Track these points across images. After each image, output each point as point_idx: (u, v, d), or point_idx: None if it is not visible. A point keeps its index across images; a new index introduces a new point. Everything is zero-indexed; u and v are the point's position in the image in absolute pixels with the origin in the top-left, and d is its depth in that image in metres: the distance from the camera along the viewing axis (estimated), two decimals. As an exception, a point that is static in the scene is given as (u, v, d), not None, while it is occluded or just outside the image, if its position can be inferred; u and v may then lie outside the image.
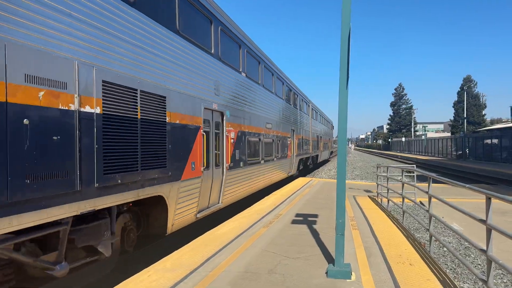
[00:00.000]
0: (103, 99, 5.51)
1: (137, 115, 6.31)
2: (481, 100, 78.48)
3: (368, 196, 14.61)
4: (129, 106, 6.12)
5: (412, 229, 10.50)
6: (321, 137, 35.82)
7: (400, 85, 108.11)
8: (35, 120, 4.38)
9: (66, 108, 4.85)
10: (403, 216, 9.96)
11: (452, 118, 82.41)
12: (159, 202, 7.29)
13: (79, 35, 5.12)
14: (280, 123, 18.29)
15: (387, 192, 12.02)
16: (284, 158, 19.18)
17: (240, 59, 12.36)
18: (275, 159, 16.92)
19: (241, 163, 12.03)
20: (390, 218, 10.01)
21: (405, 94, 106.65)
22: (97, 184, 5.33)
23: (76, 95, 5.01)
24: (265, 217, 10.02)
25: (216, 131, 10.07)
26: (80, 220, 5.44)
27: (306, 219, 9.71)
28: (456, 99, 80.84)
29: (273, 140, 16.56)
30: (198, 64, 8.93)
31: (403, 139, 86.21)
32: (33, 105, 4.36)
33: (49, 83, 4.60)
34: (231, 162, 10.97)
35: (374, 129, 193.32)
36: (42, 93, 4.48)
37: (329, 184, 18.95)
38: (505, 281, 6.99)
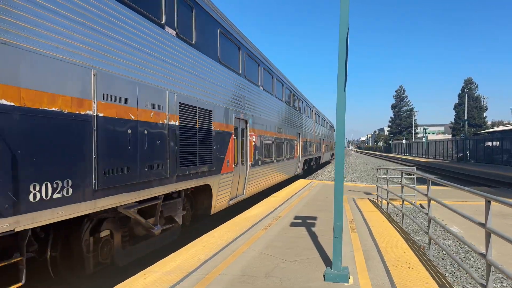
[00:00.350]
0: (179, 115, 7.72)
1: (196, 125, 8.50)
2: (482, 102, 78.40)
3: (368, 198, 14.54)
4: (192, 118, 8.32)
5: (411, 232, 10.43)
6: (323, 139, 37.42)
7: (401, 87, 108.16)
8: (150, 131, 6.63)
9: (163, 123, 7.08)
10: (403, 219, 9.90)
11: (453, 120, 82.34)
12: (206, 190, 9.52)
13: (171, 75, 7.55)
14: (289, 127, 20.30)
15: (387, 195, 11.96)
16: (292, 158, 21.09)
17: (258, 75, 14.69)
18: (284, 159, 18.87)
19: (260, 162, 14.22)
20: (389, 221, 9.95)
21: (406, 96, 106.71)
22: (177, 174, 7.52)
23: (167, 113, 7.21)
24: (264, 219, 9.96)
25: (241, 135, 12.21)
26: (165, 198, 7.66)
27: (305, 222, 9.65)
28: (457, 101, 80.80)
29: (283, 142, 18.55)
30: (232, 83, 11.33)
31: (404, 141, 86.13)
32: (148, 121, 6.60)
33: (155, 106, 6.83)
34: (252, 161, 13.16)
35: (375, 131, 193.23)
36: (152, 113, 6.72)
37: (329, 186, 18.88)
38: (504, 285, 6.92)
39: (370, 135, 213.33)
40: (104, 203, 5.55)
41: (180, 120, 7.68)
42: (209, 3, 9.62)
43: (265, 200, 13.66)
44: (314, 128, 31.53)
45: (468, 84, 79.18)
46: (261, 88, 14.88)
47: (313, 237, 8.02)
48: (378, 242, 7.70)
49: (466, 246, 9.07)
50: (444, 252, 8.63)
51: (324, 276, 5.53)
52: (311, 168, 31.47)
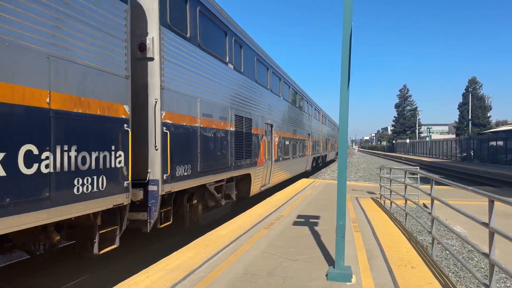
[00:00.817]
0: (235, 123, 11.07)
1: (243, 130, 11.80)
2: (486, 102, 78.04)
3: (371, 198, 14.51)
4: (241, 125, 11.61)
5: (414, 232, 10.41)
6: (328, 139, 40.03)
7: (404, 86, 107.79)
8: (221, 135, 9.90)
9: (227, 129, 10.39)
10: (406, 218, 9.87)
11: (457, 120, 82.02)
12: (246, 178, 12.52)
13: (230, 96, 10.88)
14: (301, 129, 23.31)
15: (390, 194, 11.93)
16: (303, 156, 24.10)
17: (279, 87, 18.06)
18: (298, 156, 21.98)
19: (280, 158, 17.40)
20: (392, 220, 9.93)
21: (410, 96, 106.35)
22: (233, 165, 10.81)
23: (229, 123, 10.52)
24: (266, 218, 9.96)
25: (268, 136, 15.25)
26: (227, 181, 10.67)
27: (307, 221, 9.65)
28: (461, 100, 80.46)
29: (297, 142, 21.66)
30: (263, 96, 14.87)
31: (408, 140, 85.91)
32: (221, 129, 9.89)
33: (224, 118, 10.18)
34: (276, 157, 16.36)
35: (378, 131, 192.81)
36: (222, 123, 9.99)
37: (332, 185, 18.85)
38: (508, 285, 6.90)
39: (374, 135, 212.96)
40: (202, 181, 8.72)
41: (235, 127, 11.07)
42: (259, 50, 14.39)
43: (268, 199, 13.67)
44: (321, 129, 34.11)
45: (472, 83, 78.85)
46: (281, 97, 18.29)
47: (316, 236, 8.02)
48: (381, 241, 7.68)
49: (469, 246, 9.05)
50: (447, 252, 8.60)
51: (326, 275, 5.52)
52: (318, 165, 33.69)
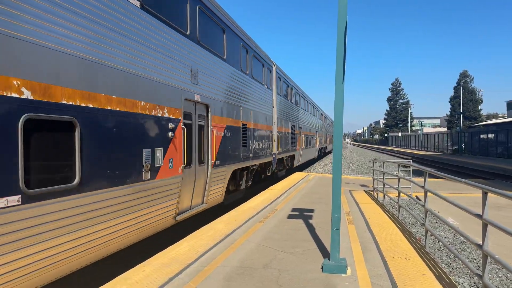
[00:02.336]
0: (277, 126, 17.46)
1: (289, 131, 20.55)
2: (477, 95, 78.65)
3: (364, 190, 14.62)
4: (287, 129, 19.59)
5: (407, 224, 10.51)
6: (328, 134, 50.54)
7: (397, 80, 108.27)
8: (266, 134, 15.81)
9: (271, 130, 16.55)
10: (399, 211, 9.96)
11: (449, 113, 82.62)
12: (291, 157, 22.08)
13: (273, 117, 17.35)
14: (312, 128, 33.08)
15: (383, 187, 12.03)
16: (314, 147, 34.46)
17: (302, 103, 27.65)
18: (310, 147, 31.31)
19: (303, 148, 26.37)
20: (386, 213, 10.02)
21: (402, 89, 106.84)
22: (280, 150, 18.37)
23: (273, 125, 16.90)
24: (261, 211, 10.00)
25: (300, 134, 24.56)
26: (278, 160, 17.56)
27: (302, 214, 9.70)
28: (452, 94, 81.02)
29: (311, 137, 31.58)
30: (299, 112, 25.70)
31: (400, 134, 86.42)
32: (265, 129, 15.50)
33: (268, 123, 16.06)
34: (304, 146, 26.75)
35: (370, 124, 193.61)
36: (268, 125, 15.99)
37: (325, 179, 18.95)
38: (500, 275, 7.01)
39: (366, 128, 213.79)
40: (253, 163, 13.53)
41: (277, 128, 17.34)
42: (300, 91, 25.72)
43: (262, 192, 13.70)
44: (323, 127, 44.27)
45: (464, 77, 79.37)
46: (300, 108, 26.34)
47: (310, 229, 8.08)
48: (375, 233, 7.76)
49: (461, 238, 9.18)
50: (440, 244, 8.72)
51: (322, 267, 5.57)
52: (320, 155, 43.31)
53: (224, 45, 10.89)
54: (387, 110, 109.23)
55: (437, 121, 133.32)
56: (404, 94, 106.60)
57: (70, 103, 4.94)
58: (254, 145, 13.68)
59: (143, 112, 6.56)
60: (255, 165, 14.05)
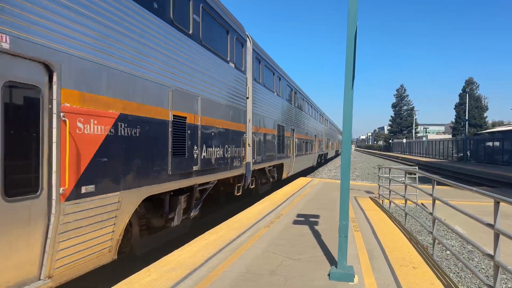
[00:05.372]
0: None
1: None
2: (483, 102, 78.27)
3: (370, 197, 14.52)
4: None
5: (414, 231, 10.41)
6: (329, 139, 47.86)
7: (401, 86, 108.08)
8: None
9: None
10: (405, 218, 9.88)
11: (454, 120, 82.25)
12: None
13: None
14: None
15: (389, 194, 11.93)
16: (311, 153, 30.02)
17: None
18: (305, 153, 26.56)
19: (297, 154, 22.62)
20: (392, 220, 9.93)
21: (407, 96, 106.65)
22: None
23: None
24: (266, 217, 9.94)
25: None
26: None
27: (307, 220, 9.63)
28: (457, 101, 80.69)
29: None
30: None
31: (404, 140, 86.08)
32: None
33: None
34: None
35: (375, 130, 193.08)
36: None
37: (329, 184, 18.86)
38: (509, 286, 6.90)
39: (370, 134, 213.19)
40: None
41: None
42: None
43: (266, 197, 13.64)
44: (324, 130, 41.95)
45: (469, 84, 79.03)
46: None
47: (316, 235, 8.00)
48: (381, 241, 7.68)
49: (469, 247, 9.08)
50: (448, 252, 8.62)
51: (329, 275, 5.51)
52: (320, 162, 39.99)
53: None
54: (391, 116, 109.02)
55: (442, 128, 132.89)
56: (409, 100, 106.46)
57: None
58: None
59: None
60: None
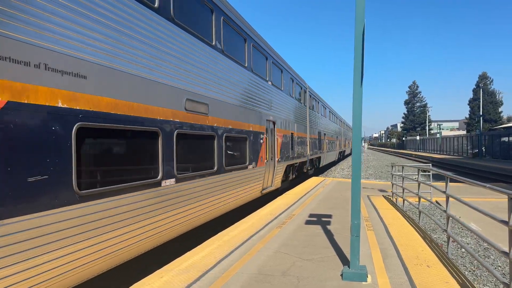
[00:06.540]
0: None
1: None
2: (497, 97, 77.04)
3: (383, 196, 14.39)
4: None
5: (428, 230, 10.29)
6: (346, 138, 55.35)
7: (414, 83, 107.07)
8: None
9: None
10: (419, 216, 9.77)
11: (468, 116, 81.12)
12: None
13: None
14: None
15: (403, 192, 11.82)
16: (335, 151, 38.70)
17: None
18: (331, 150, 34.70)
19: (327, 151, 31.00)
20: (405, 218, 9.82)
21: (420, 92, 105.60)
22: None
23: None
24: (278, 217, 9.92)
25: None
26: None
27: (319, 220, 9.59)
28: (471, 96, 79.59)
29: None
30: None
31: (418, 137, 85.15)
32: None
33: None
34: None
35: (388, 128, 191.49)
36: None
37: (342, 183, 18.76)
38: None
39: (383, 132, 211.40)
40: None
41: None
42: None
43: (279, 197, 13.62)
44: (342, 132, 49.22)
45: (483, 79, 77.90)
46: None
47: (329, 235, 7.96)
48: (395, 240, 7.60)
49: (485, 244, 8.94)
50: (463, 250, 8.51)
51: (341, 275, 5.47)
52: (339, 158, 48.31)
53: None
54: (404, 114, 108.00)
55: (456, 124, 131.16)
56: (422, 97, 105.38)
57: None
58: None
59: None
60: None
